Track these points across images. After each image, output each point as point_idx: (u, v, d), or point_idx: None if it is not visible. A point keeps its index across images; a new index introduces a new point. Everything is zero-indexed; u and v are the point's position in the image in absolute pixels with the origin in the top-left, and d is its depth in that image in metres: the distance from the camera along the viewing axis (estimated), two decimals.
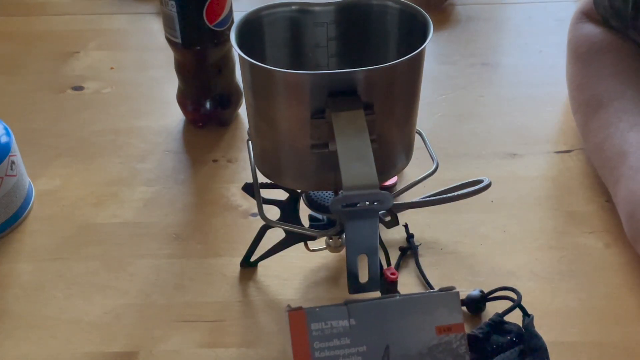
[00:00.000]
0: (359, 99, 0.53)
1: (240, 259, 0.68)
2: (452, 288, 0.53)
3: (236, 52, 0.56)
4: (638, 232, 0.63)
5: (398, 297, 0.52)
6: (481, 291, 0.63)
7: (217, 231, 0.73)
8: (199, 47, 0.79)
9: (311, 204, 0.63)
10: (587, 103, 0.76)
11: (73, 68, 0.98)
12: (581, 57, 0.79)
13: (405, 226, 0.71)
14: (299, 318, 0.50)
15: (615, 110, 0.71)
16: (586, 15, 0.81)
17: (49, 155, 0.83)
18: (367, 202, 0.51)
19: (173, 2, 0.76)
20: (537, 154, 0.81)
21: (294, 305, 0.51)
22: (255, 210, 0.62)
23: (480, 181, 0.66)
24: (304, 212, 0.65)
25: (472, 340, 0.58)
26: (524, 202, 0.75)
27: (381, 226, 0.62)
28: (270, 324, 0.63)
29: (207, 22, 0.77)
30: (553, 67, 0.91)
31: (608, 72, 0.75)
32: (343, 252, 0.66)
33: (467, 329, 0.59)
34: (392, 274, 0.58)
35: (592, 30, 0.79)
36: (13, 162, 0.72)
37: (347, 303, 0.51)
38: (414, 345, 0.51)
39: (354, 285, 0.55)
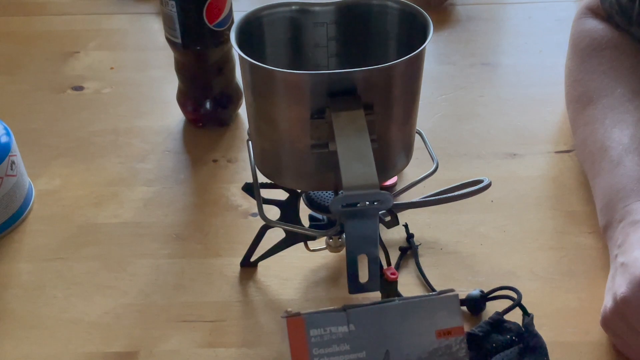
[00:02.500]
0: (359, 99, 0.53)
1: (240, 259, 0.68)
2: (451, 290, 0.52)
3: (236, 52, 0.56)
4: (610, 222, 0.64)
5: (397, 301, 0.52)
6: (481, 291, 0.63)
7: (217, 231, 0.72)
8: (199, 47, 0.79)
9: (311, 204, 0.63)
10: (578, 99, 0.76)
11: (73, 68, 0.98)
12: (580, 52, 0.79)
13: (405, 226, 0.71)
14: (297, 324, 0.50)
15: (602, 107, 0.72)
16: (591, 10, 0.81)
17: (49, 155, 0.83)
18: (367, 202, 0.51)
19: (173, 2, 0.76)
20: (537, 154, 0.81)
21: (293, 306, 0.51)
22: (255, 210, 0.62)
23: (480, 181, 0.66)
24: (304, 212, 0.65)
25: (472, 339, 0.58)
26: (524, 202, 0.75)
27: (381, 226, 0.62)
28: (270, 324, 0.63)
29: (207, 22, 0.77)
30: (553, 67, 0.91)
31: (603, 68, 0.75)
32: (343, 252, 0.66)
33: (467, 328, 0.59)
34: (392, 274, 0.58)
35: (594, 26, 0.79)
36: (13, 162, 0.72)
37: (345, 308, 0.51)
38: (414, 350, 0.51)
39: (354, 286, 0.55)
